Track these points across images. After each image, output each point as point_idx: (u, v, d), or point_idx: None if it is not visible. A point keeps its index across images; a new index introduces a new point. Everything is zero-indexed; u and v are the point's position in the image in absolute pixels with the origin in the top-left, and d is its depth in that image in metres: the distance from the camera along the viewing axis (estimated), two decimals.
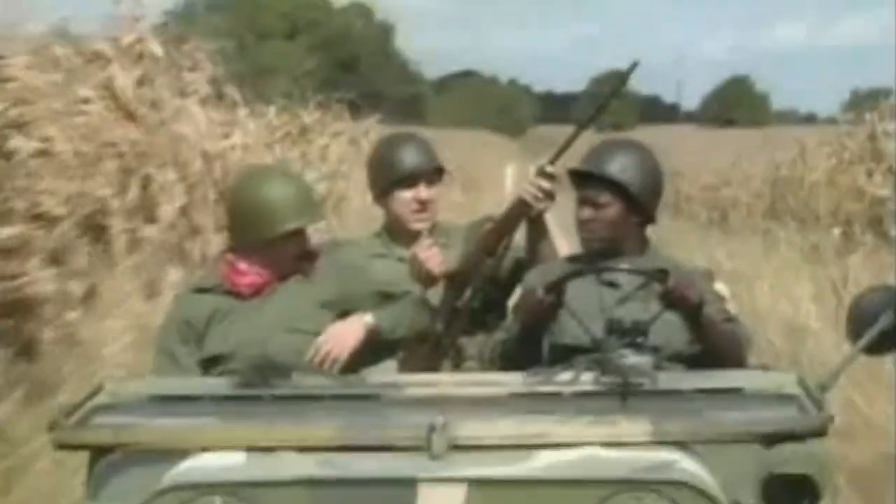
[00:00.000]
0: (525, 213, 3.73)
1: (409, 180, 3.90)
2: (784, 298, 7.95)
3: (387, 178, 3.94)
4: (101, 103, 8.09)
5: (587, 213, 3.55)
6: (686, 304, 3.33)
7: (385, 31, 39.42)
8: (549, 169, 3.67)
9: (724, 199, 20.42)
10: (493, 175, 29.58)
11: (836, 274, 8.57)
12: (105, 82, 8.39)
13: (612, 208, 3.50)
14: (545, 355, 3.36)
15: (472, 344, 3.78)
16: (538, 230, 3.77)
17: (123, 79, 8.46)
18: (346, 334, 3.61)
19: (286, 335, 3.44)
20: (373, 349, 3.64)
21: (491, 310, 3.87)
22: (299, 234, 3.58)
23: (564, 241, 3.79)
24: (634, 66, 3.47)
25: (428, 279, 3.75)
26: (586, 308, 3.40)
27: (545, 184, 3.64)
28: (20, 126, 6.27)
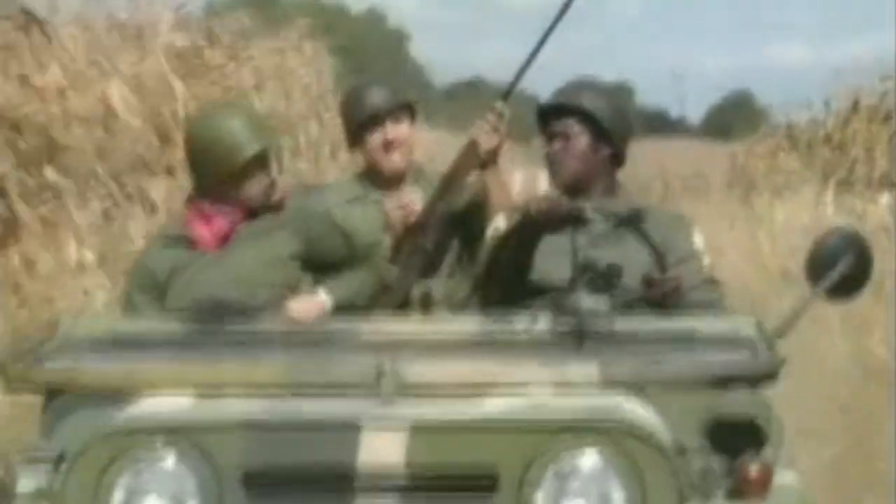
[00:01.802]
0: (476, 154, 3.69)
1: (375, 120, 3.81)
2: None
3: (354, 121, 3.87)
4: None
5: (557, 145, 3.50)
6: (665, 302, 3.25)
7: (399, 39, 39.80)
8: (498, 106, 3.68)
9: None
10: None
11: None
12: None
13: (583, 139, 3.44)
14: (515, 292, 3.33)
15: (439, 287, 3.75)
16: (491, 171, 3.70)
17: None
18: (301, 315, 3.55)
19: (250, 289, 3.33)
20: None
21: (446, 251, 3.81)
22: (262, 164, 3.46)
23: (518, 178, 4.10)
24: None
25: (401, 230, 3.80)
26: (558, 248, 3.38)
27: (494, 120, 3.63)
28: None
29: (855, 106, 12.10)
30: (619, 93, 3.61)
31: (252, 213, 3.50)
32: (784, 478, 2.58)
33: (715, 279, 3.47)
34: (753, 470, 2.48)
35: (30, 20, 8.50)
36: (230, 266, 3.42)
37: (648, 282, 3.21)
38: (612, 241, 3.38)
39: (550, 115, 3.55)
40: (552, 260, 3.35)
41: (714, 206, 13.06)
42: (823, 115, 13.45)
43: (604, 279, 3.05)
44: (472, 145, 3.69)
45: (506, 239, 3.42)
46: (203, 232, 3.42)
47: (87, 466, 2.52)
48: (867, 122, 11.39)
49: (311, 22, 13.90)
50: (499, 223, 3.56)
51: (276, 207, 3.51)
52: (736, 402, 2.56)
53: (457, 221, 3.82)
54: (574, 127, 3.44)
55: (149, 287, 3.44)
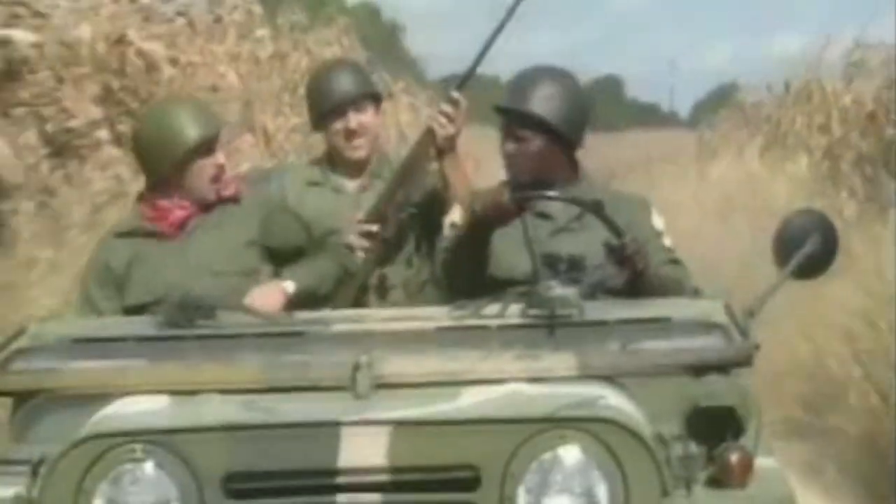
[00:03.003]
0: (432, 142, 3.67)
1: (339, 109, 3.75)
2: None
3: (317, 109, 3.83)
4: None
5: (511, 147, 3.49)
6: (631, 267, 3.25)
7: (392, 31, 41.35)
8: (454, 94, 3.66)
9: None
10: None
11: None
12: None
13: (536, 142, 3.43)
14: (476, 287, 3.27)
15: (395, 275, 3.74)
16: (448, 160, 3.66)
17: None
18: (264, 305, 3.46)
19: (211, 279, 3.32)
20: (298, 307, 3.59)
21: (404, 240, 3.77)
22: (208, 151, 3.44)
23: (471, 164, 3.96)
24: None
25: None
26: (519, 240, 3.36)
27: (449, 109, 3.62)
28: None
29: (787, 88, 14.69)
30: (570, 78, 3.43)
31: (208, 205, 3.47)
32: (763, 464, 2.58)
33: (677, 258, 3.45)
34: (734, 458, 2.49)
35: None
36: (189, 256, 3.40)
37: (612, 250, 3.19)
38: (575, 230, 3.38)
39: (505, 114, 3.50)
40: (512, 253, 3.35)
41: (680, 178, 15.46)
42: (775, 97, 16.12)
43: (565, 270, 3.05)
44: (428, 133, 3.69)
45: (460, 236, 3.40)
46: (159, 223, 3.42)
47: (65, 472, 2.48)
48: (803, 102, 13.78)
49: (347, 19, 16.03)
50: (454, 217, 3.55)
51: (233, 199, 3.48)
52: (714, 390, 2.56)
53: (415, 210, 3.76)
54: (526, 130, 3.43)
55: (106, 281, 3.42)
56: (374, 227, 3.67)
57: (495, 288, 3.17)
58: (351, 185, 3.91)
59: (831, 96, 12.74)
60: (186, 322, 2.90)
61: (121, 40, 7.69)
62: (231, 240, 3.50)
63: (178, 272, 3.38)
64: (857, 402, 5.87)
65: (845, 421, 5.76)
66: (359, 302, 3.71)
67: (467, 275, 3.35)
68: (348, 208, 3.78)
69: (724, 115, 19.58)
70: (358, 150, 3.84)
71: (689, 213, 10.44)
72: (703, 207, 11.33)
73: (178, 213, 3.45)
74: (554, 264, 3.14)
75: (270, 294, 3.48)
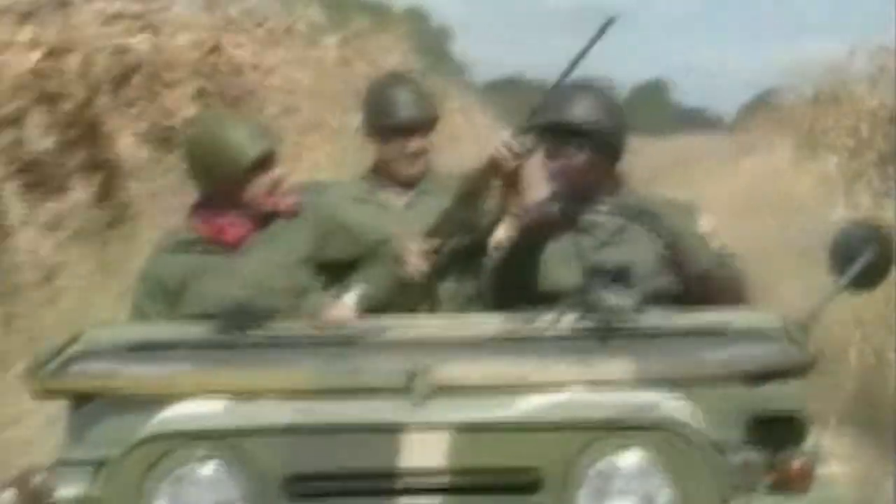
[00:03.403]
0: (495, 171, 3.56)
1: (404, 130, 3.63)
2: None
3: (378, 123, 3.67)
4: None
5: (556, 164, 3.35)
6: (683, 273, 3.15)
7: (441, 37, 42.14)
8: (523, 139, 3.48)
9: None
10: None
11: None
12: None
13: (580, 156, 3.31)
14: (523, 302, 3.17)
15: (444, 291, 3.64)
16: (513, 186, 3.59)
17: None
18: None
19: (264, 296, 3.19)
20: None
21: (463, 257, 3.71)
22: (266, 166, 3.34)
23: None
24: (611, 20, 3.41)
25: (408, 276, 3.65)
26: (565, 254, 3.24)
27: (515, 145, 3.50)
28: None
29: (816, 93, 15.60)
30: (606, 89, 3.39)
31: (264, 218, 3.36)
32: (824, 471, 2.51)
33: (730, 258, 3.33)
34: (796, 464, 2.42)
35: None
36: (244, 272, 3.29)
37: (662, 257, 3.11)
38: (620, 240, 3.27)
39: (546, 131, 3.37)
40: (557, 267, 3.24)
41: (714, 175, 16.43)
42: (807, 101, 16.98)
43: (614, 280, 2.98)
44: (493, 163, 3.56)
45: (508, 251, 3.30)
46: (215, 238, 3.32)
47: (127, 473, 2.44)
48: (832, 105, 14.63)
49: (404, 27, 16.87)
50: (499, 236, 3.44)
51: (289, 213, 3.39)
52: (774, 397, 2.52)
53: (466, 226, 3.68)
54: (571, 147, 3.31)
55: (159, 295, 3.31)
56: (432, 246, 3.55)
57: (542, 302, 3.06)
58: (397, 201, 3.78)
59: (858, 100, 13.56)
60: (240, 329, 2.83)
61: (215, 48, 8.71)
62: (286, 257, 3.37)
63: (233, 288, 3.24)
64: (856, 362, 6.16)
65: (846, 378, 6.07)
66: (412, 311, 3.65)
67: (515, 290, 3.24)
68: (393, 224, 3.64)
69: (762, 117, 20.55)
70: (415, 170, 3.73)
71: (720, 206, 11.29)
72: (733, 200, 12.16)
73: (234, 230, 3.33)
74: (601, 275, 3.02)
75: (341, 312, 3.38)
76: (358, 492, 2.44)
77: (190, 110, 7.69)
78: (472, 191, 3.65)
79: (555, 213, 3.18)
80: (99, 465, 2.53)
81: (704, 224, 3.38)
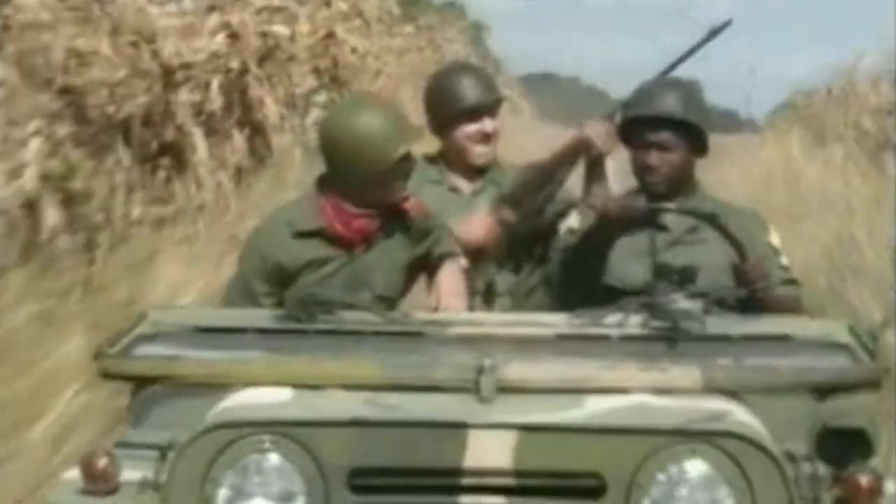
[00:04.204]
0: (583, 152, 3.42)
1: (474, 113, 3.47)
2: None
3: (450, 110, 3.49)
4: None
5: (655, 157, 3.15)
6: (751, 285, 2.98)
7: (478, 31, 43.54)
8: (616, 118, 3.36)
9: None
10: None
11: None
12: None
13: (680, 150, 3.15)
14: (589, 294, 3.00)
15: (503, 281, 3.47)
16: (596, 173, 3.43)
17: None
18: (474, 232, 3.37)
19: (369, 300, 3.03)
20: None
21: (532, 245, 3.50)
22: (409, 163, 3.10)
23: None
24: (727, 23, 3.33)
25: (475, 248, 3.37)
26: (635, 250, 3.06)
27: (610, 129, 3.34)
28: None
29: (829, 91, 16.70)
30: (696, 88, 3.37)
31: (386, 217, 3.09)
32: (891, 487, 2.36)
33: (794, 279, 3.16)
34: (864, 480, 2.30)
35: None
36: (358, 271, 3.09)
37: (736, 270, 2.97)
38: (690, 242, 3.08)
39: (643, 123, 3.16)
40: (630, 262, 3.04)
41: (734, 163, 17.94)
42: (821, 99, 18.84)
43: (679, 281, 2.85)
44: (585, 141, 3.38)
45: (581, 239, 3.10)
46: (343, 232, 3.06)
47: (193, 459, 2.30)
48: (841, 103, 16.49)
49: (468, 21, 18.70)
50: (571, 221, 3.25)
51: (413, 213, 3.16)
52: (843, 410, 2.39)
53: (542, 218, 3.45)
54: (672, 138, 3.14)
55: (273, 277, 3.06)
56: (500, 217, 3.40)
57: (608, 297, 2.87)
58: (466, 186, 3.59)
59: (862, 98, 15.36)
60: (307, 317, 2.66)
61: (329, 35, 10.34)
62: (394, 262, 3.13)
63: (343, 286, 3.02)
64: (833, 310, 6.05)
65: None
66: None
67: (583, 280, 3.05)
68: (462, 208, 3.49)
69: (784, 117, 22.37)
70: (487, 153, 3.57)
71: (736, 187, 12.83)
72: (748, 183, 13.84)
73: (363, 223, 3.06)
74: (668, 275, 2.89)
75: (480, 222, 3.31)
76: (421, 488, 2.29)
77: (310, 83, 9.67)
78: (554, 168, 3.42)
79: (638, 208, 2.98)
80: (162, 449, 2.36)
81: (773, 238, 3.16)
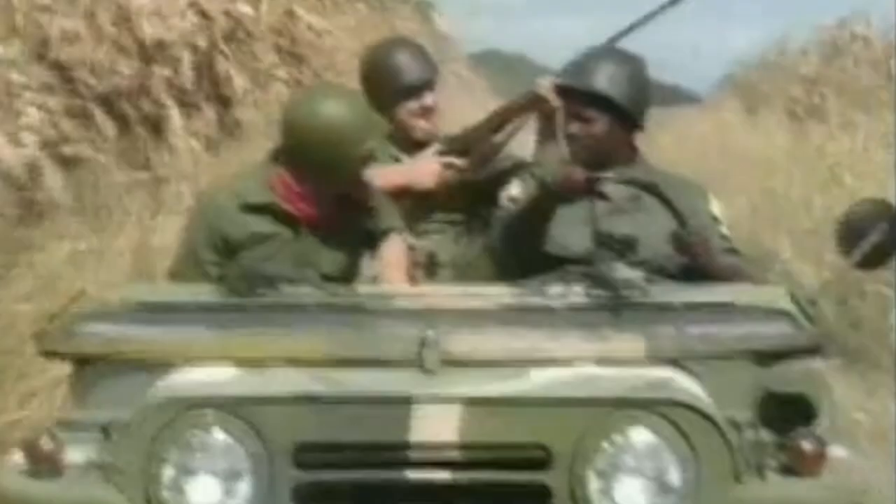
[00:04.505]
0: (534, 107, 3.35)
1: (414, 89, 3.41)
2: None
3: (390, 88, 3.40)
4: None
5: (575, 127, 3.11)
6: (694, 258, 2.93)
7: (426, 9, 44.17)
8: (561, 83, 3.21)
9: None
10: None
11: None
12: None
13: (600, 122, 3.09)
14: (530, 263, 2.93)
15: (444, 252, 3.40)
16: (549, 130, 3.35)
17: None
18: (422, 172, 3.30)
19: (316, 280, 2.79)
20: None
21: (475, 204, 3.42)
22: (371, 159, 2.96)
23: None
24: None
25: (423, 193, 3.31)
26: (576, 218, 2.98)
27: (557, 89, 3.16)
28: None
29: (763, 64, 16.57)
30: (635, 60, 3.30)
31: (342, 204, 2.99)
32: (837, 452, 2.31)
33: (735, 248, 3.11)
34: (807, 446, 2.28)
35: None
36: (306, 249, 2.99)
37: (677, 238, 2.91)
38: (631, 211, 3.02)
39: (569, 93, 3.11)
40: (570, 230, 2.96)
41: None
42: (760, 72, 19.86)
43: (620, 250, 2.83)
44: (536, 96, 3.31)
45: (523, 209, 3.01)
46: (292, 210, 2.96)
47: (137, 437, 2.24)
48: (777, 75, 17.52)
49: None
50: (512, 190, 3.15)
51: (366, 201, 3.06)
52: (785, 376, 2.37)
53: (473, 184, 3.39)
54: (591, 110, 3.10)
55: (220, 248, 2.95)
56: (456, 161, 3.36)
57: (549, 265, 2.80)
58: (410, 161, 3.48)
59: (792, 68, 16.24)
60: (249, 291, 2.59)
61: (288, 13, 11.25)
62: (343, 244, 3.02)
63: (290, 264, 2.89)
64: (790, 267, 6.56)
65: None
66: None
67: (524, 249, 2.97)
68: None
69: (724, 87, 23.30)
70: (428, 129, 3.51)
71: (672, 154, 11.76)
72: (683, 151, 14.69)
73: (316, 208, 2.96)
74: (609, 244, 2.86)
75: (428, 166, 3.26)
76: (367, 464, 2.25)
77: (271, 59, 10.39)
78: (503, 117, 3.37)
79: (582, 179, 2.89)
80: (105, 428, 2.30)
81: (714, 207, 3.11)
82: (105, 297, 2.56)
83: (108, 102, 6.83)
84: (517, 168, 3.29)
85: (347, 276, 2.96)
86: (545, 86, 3.24)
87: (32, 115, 5.72)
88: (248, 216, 2.94)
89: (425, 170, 3.32)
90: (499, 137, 3.37)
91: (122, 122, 7.06)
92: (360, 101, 3.05)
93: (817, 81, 14.58)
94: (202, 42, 8.27)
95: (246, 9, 8.78)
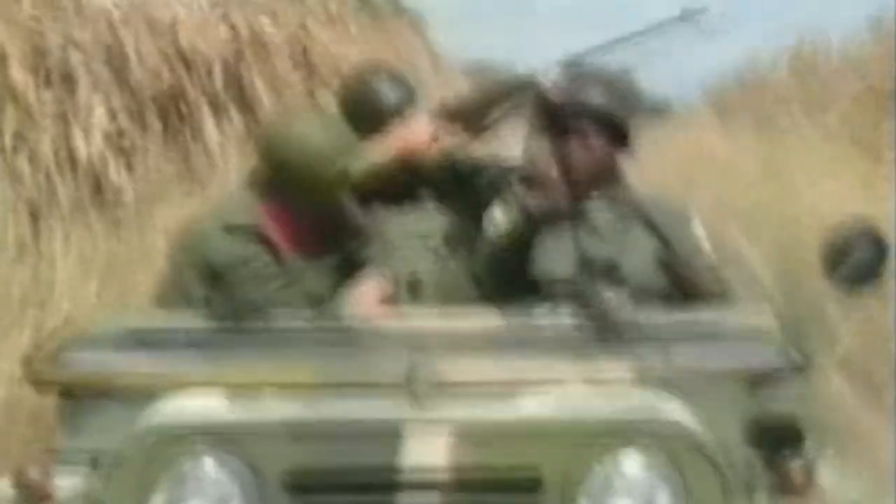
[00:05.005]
0: (528, 91, 3.16)
1: (396, 115, 3.39)
2: None
3: (372, 115, 3.28)
4: None
5: (574, 144, 3.02)
6: (679, 277, 2.90)
7: (418, 23, 45.04)
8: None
9: None
10: None
11: None
12: None
13: (600, 140, 3.02)
14: (515, 287, 2.88)
15: (427, 274, 3.29)
16: (541, 123, 3.16)
17: None
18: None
19: (289, 295, 2.88)
20: None
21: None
22: (349, 175, 2.87)
23: None
24: (700, 10, 3.08)
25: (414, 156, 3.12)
26: (561, 242, 2.90)
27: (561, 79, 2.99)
28: None
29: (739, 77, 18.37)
30: (626, 79, 3.24)
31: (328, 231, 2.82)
32: (827, 476, 2.28)
33: (715, 266, 3.05)
34: (795, 468, 2.27)
35: None
36: (292, 276, 2.93)
37: (660, 259, 2.90)
38: (615, 234, 2.95)
39: (560, 111, 2.96)
40: (554, 254, 2.89)
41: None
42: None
43: (603, 273, 2.80)
44: (532, 80, 3.11)
45: (507, 236, 2.98)
46: (279, 237, 2.90)
47: (126, 467, 2.18)
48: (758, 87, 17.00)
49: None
50: (496, 216, 3.07)
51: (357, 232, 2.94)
52: (773, 398, 2.34)
53: (465, 203, 3.28)
54: (591, 127, 2.98)
55: (205, 272, 2.87)
56: (451, 129, 3.19)
57: (533, 289, 2.77)
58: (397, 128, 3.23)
59: (767, 85, 17.43)
60: (234, 318, 2.54)
61: (301, 26, 10.81)
62: (329, 265, 2.96)
63: (275, 285, 2.86)
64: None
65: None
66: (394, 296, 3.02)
67: (508, 275, 2.94)
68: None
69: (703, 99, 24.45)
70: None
71: (648, 165, 14.48)
72: (663, 158, 15.64)
73: (301, 232, 2.88)
74: (592, 268, 2.81)
75: (420, 126, 3.07)
76: (358, 488, 2.20)
77: (285, 66, 11.49)
78: (499, 94, 3.21)
79: (561, 203, 2.83)
80: (95, 457, 2.21)
81: (696, 228, 3.00)
82: (91, 324, 2.46)
83: (156, 102, 7.83)
84: (501, 180, 3.19)
85: (332, 295, 2.86)
86: (545, 78, 3.05)
87: (100, 113, 6.75)
88: (231, 238, 2.84)
89: (418, 129, 3.19)
90: (493, 113, 3.22)
91: (165, 122, 8.05)
92: (334, 123, 2.99)
93: (785, 95, 15.70)
94: (231, 52, 9.35)
95: (266, 21, 9.88)
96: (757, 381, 2.37)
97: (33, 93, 6.18)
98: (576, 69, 3.04)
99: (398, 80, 3.27)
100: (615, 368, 2.33)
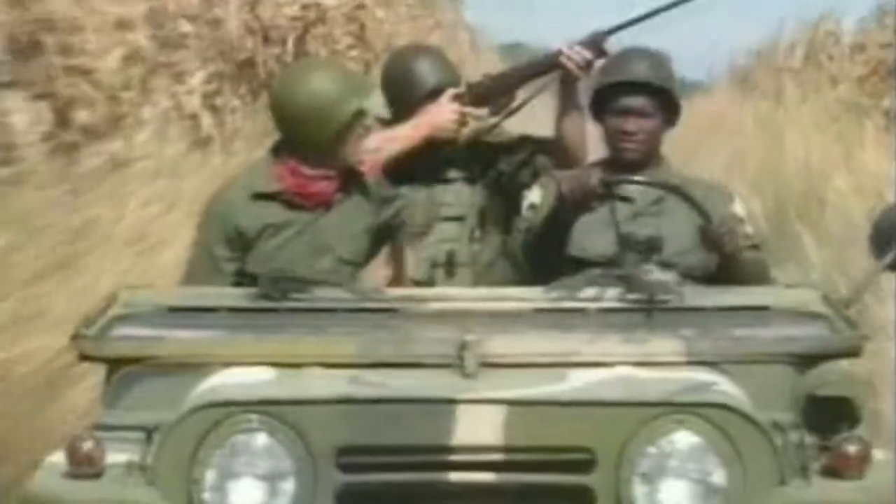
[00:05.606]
0: (557, 68, 3.14)
1: (434, 95, 3.20)
2: None
3: (411, 94, 3.23)
4: None
5: (632, 124, 2.92)
6: (721, 249, 2.75)
7: (457, 4, 45.09)
8: (604, 44, 3.07)
9: None
10: None
11: None
12: None
13: (657, 117, 2.94)
14: (553, 267, 2.76)
15: (462, 252, 3.24)
16: (569, 99, 3.16)
17: None
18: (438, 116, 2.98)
19: (332, 264, 2.84)
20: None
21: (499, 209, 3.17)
22: (361, 123, 2.78)
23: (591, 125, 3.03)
24: None
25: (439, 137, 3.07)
26: (597, 221, 2.79)
27: (589, 54, 3.08)
28: None
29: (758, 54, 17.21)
30: (665, 58, 3.25)
31: (346, 177, 2.80)
32: (880, 455, 2.18)
33: (758, 245, 2.96)
34: (852, 448, 2.19)
35: None
36: (319, 234, 2.81)
37: (704, 231, 2.77)
38: (654, 213, 2.85)
39: (617, 90, 2.92)
40: (590, 233, 2.78)
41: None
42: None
43: (644, 251, 2.74)
44: (557, 61, 3.13)
45: (543, 218, 2.88)
46: (301, 195, 2.81)
47: (180, 440, 2.12)
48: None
49: None
50: (533, 198, 2.97)
51: (371, 173, 2.93)
52: (829, 379, 2.27)
53: (499, 183, 3.24)
54: (649, 105, 2.93)
55: (234, 242, 2.75)
56: (473, 110, 3.19)
57: (571, 268, 2.64)
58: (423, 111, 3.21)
59: (782, 60, 18.33)
60: (281, 295, 2.45)
61: (359, 5, 11.81)
62: (356, 225, 2.80)
63: (306, 250, 2.72)
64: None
65: None
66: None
67: (547, 252, 2.85)
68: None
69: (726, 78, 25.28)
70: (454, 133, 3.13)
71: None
72: (684, 128, 16.87)
73: (322, 185, 2.75)
74: (633, 246, 2.76)
75: (446, 106, 3.09)
76: (410, 466, 2.11)
77: (345, 41, 12.77)
78: (525, 73, 3.18)
79: (595, 184, 2.73)
80: (147, 430, 2.15)
81: (738, 207, 2.88)
82: (134, 299, 2.36)
83: (240, 68, 8.22)
84: (535, 154, 3.17)
85: (363, 260, 2.75)
86: (574, 49, 3.02)
87: (198, 76, 8.18)
88: (259, 206, 2.70)
89: (444, 114, 3.09)
90: (520, 95, 3.12)
91: (251, 86, 8.35)
92: (340, 67, 2.85)
93: (801, 73, 16.91)
94: (298, 26, 10.74)
95: (331, 2, 11.26)
96: (808, 361, 2.26)
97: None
98: (622, 51, 2.97)
99: (440, 61, 3.18)
100: (665, 347, 2.24)
